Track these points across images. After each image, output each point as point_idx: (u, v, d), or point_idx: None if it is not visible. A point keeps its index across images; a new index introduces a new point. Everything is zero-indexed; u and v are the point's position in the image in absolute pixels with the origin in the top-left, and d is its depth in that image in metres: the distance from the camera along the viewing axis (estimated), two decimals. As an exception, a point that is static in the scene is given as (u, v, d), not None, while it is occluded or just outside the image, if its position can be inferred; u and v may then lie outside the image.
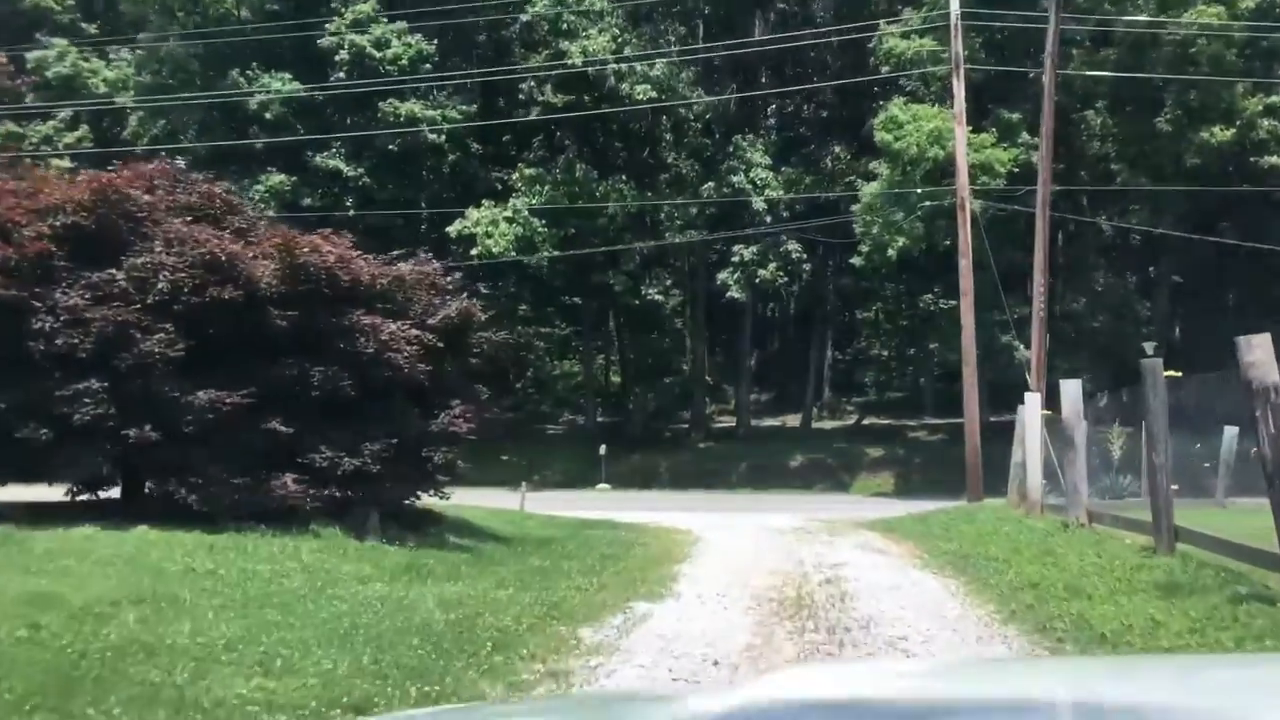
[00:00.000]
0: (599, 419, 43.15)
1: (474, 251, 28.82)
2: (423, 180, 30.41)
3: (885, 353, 40.57)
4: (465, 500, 16.97)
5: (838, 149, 33.74)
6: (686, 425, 39.07)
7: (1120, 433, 17.64)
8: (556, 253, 29.77)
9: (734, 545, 15.50)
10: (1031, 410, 14.65)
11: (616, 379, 41.14)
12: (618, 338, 36.65)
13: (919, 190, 25.83)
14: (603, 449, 31.41)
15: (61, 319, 9.63)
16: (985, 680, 1.94)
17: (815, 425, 39.06)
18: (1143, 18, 27.82)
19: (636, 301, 32.50)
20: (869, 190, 27.75)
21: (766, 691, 1.75)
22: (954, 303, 34.84)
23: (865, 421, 40.57)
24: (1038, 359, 16.17)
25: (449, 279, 13.05)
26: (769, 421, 42.35)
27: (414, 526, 12.58)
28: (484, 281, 33.20)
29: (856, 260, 29.00)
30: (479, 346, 12.69)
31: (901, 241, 26.47)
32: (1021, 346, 33.32)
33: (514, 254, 28.49)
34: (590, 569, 11.40)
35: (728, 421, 41.17)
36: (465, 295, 13.09)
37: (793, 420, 41.82)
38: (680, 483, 32.54)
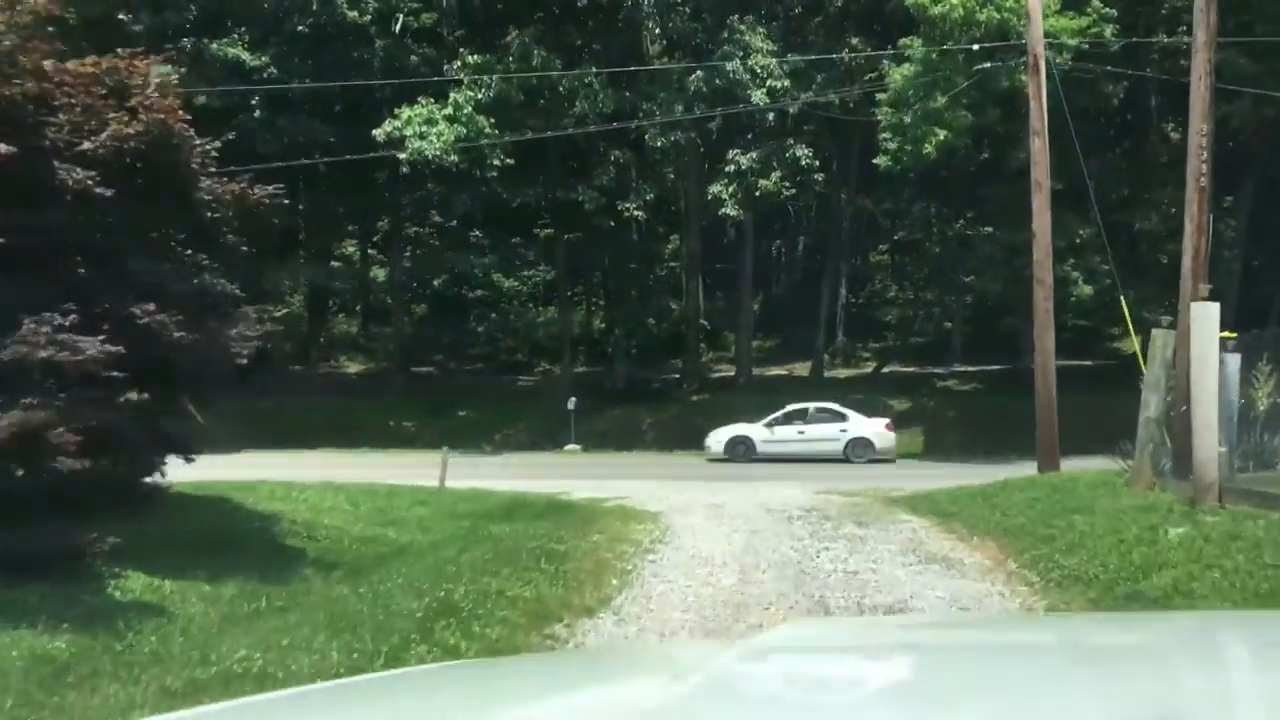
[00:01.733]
0: (577, 369, 37.71)
1: (401, 156, 23.11)
2: (346, 72, 24.62)
3: (907, 290, 34.89)
4: (373, 470, 11.69)
5: (855, 41, 27.70)
6: (678, 376, 33.53)
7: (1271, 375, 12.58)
8: (509, 160, 24.04)
9: (713, 550, 10.05)
10: (1202, 327, 8.93)
11: (602, 325, 35.44)
12: (595, 272, 30.93)
13: (963, 70, 19.96)
14: (571, 403, 25.93)
15: None
16: (993, 631, 2.03)
17: (828, 374, 33.47)
18: None
19: (612, 223, 26.76)
20: (899, 74, 21.87)
21: (773, 638, 1.87)
22: (988, 229, 29.13)
23: (886, 370, 34.93)
24: (1195, 256, 10.42)
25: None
26: (774, 370, 36.76)
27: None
28: (425, 202, 27.58)
29: (881, 160, 23.15)
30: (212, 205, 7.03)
31: (942, 135, 20.66)
32: (1080, 277, 27.63)
33: (452, 159, 22.76)
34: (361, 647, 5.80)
35: (726, 371, 35.60)
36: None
37: (801, 369, 36.22)
38: (667, 442, 27.08)
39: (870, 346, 40.48)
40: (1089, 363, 34.37)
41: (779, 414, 23.95)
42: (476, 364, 38.93)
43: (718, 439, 23.68)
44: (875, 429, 24.05)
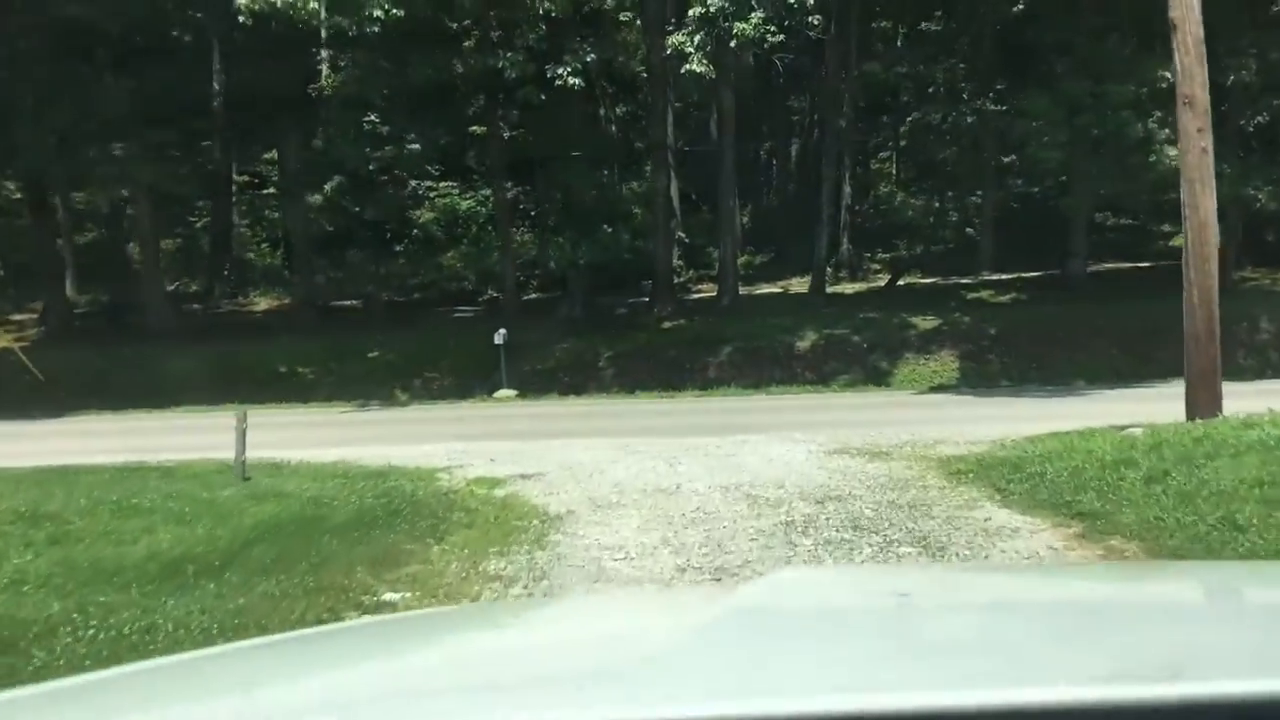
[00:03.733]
0: (530, 296, 31.60)
1: (240, 3, 16.75)
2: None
3: (925, 189, 28.77)
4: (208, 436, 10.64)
5: None
6: (648, 300, 27.47)
7: None
8: (396, 10, 17.63)
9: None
10: None
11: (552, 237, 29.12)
12: (532, 170, 24.50)
13: None
14: (499, 335, 19.94)
15: None
16: (997, 581, 1.93)
17: (831, 290, 27.39)
18: None
19: (544, 96, 20.32)
20: None
21: (773, 582, 1.84)
22: (1020, 98, 22.71)
23: (901, 283, 28.85)
24: None
25: None
26: (766, 289, 30.68)
27: None
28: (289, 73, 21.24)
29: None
30: None
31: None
32: (1165, 135, 21.38)
33: (313, 6, 16.36)
34: None
35: (707, 292, 29.53)
36: None
37: (799, 285, 30.14)
38: (630, 380, 21.16)
39: (879, 257, 34.40)
40: (1130, 265, 28.40)
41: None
42: (415, 295, 32.88)
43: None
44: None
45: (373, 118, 21.36)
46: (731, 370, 21.19)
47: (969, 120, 21.72)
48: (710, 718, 0.95)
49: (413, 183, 25.36)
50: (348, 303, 30.25)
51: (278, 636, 2.35)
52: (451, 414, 17.92)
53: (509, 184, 25.62)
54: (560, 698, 1.12)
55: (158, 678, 1.53)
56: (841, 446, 12.46)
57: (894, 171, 43.99)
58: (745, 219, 40.41)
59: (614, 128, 25.86)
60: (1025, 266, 29.23)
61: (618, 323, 25.17)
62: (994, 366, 20.29)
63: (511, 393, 19.90)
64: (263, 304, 32.29)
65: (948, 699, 0.93)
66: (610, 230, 22.92)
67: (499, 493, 10.05)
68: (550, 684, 1.24)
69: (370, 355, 22.88)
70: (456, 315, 27.80)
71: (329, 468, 11.86)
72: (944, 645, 1.29)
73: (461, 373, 22.08)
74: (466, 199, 30.18)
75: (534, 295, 31.74)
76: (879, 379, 20.21)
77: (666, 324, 24.74)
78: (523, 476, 10.91)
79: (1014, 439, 12.03)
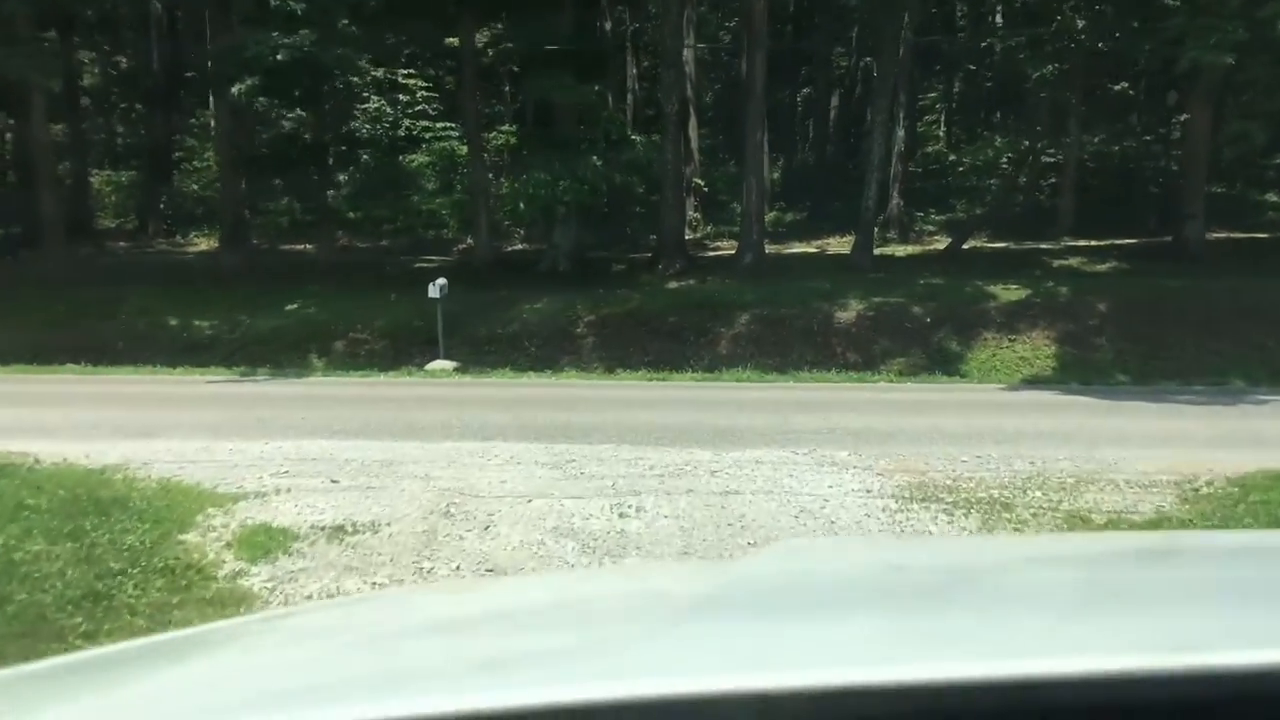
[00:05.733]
0: (516, 246, 26.64)
1: None
2: None
3: (998, 132, 23.57)
4: None
5: None
6: (650, 255, 22.39)
7: None
8: None
9: None
10: None
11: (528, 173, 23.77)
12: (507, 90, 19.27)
13: None
14: (436, 287, 14.91)
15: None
16: (1003, 553, 1.82)
17: (879, 253, 22.14)
18: None
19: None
20: None
21: (769, 554, 1.81)
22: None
23: (967, 246, 23.55)
24: None
25: None
26: (798, 248, 25.47)
27: None
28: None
29: None
30: None
31: None
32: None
33: None
34: None
35: (726, 250, 24.42)
36: None
37: (838, 245, 24.95)
38: (614, 355, 16.12)
39: (932, 218, 29.02)
40: (1244, 235, 22.95)
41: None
42: (383, 241, 27.95)
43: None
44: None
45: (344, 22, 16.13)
46: (749, 346, 16.09)
47: (1080, 27, 16.22)
48: (710, 692, 0.90)
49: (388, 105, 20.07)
50: (301, 247, 25.37)
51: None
52: (356, 391, 12.94)
53: (487, 104, 20.45)
54: (557, 672, 1.07)
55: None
56: (918, 480, 7.46)
57: (942, 122, 38.57)
58: (776, 175, 35.16)
59: (610, 30, 20.57)
60: (1107, 233, 23.90)
61: (613, 280, 20.06)
62: (1104, 354, 15.05)
63: (449, 365, 14.85)
64: (203, 244, 27.45)
65: (951, 670, 0.90)
66: (600, 163, 17.73)
67: (266, 570, 5.11)
68: (547, 658, 1.15)
69: (288, 308, 17.94)
70: (418, 266, 22.76)
71: (53, 479, 7.04)
72: (946, 618, 1.22)
73: (399, 336, 17.10)
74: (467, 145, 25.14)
75: (519, 247, 26.74)
76: (947, 364, 15.05)
77: (672, 284, 19.63)
78: (343, 530, 5.96)
79: (1220, 483, 7.02)
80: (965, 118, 39.25)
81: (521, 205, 18.01)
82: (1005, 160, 21.18)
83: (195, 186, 27.84)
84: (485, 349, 16.62)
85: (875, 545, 2.79)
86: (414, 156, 27.47)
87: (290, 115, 20.43)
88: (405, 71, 26.62)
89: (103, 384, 13.33)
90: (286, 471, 7.95)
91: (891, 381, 13.52)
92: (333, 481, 7.45)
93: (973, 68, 39.74)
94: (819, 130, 40.94)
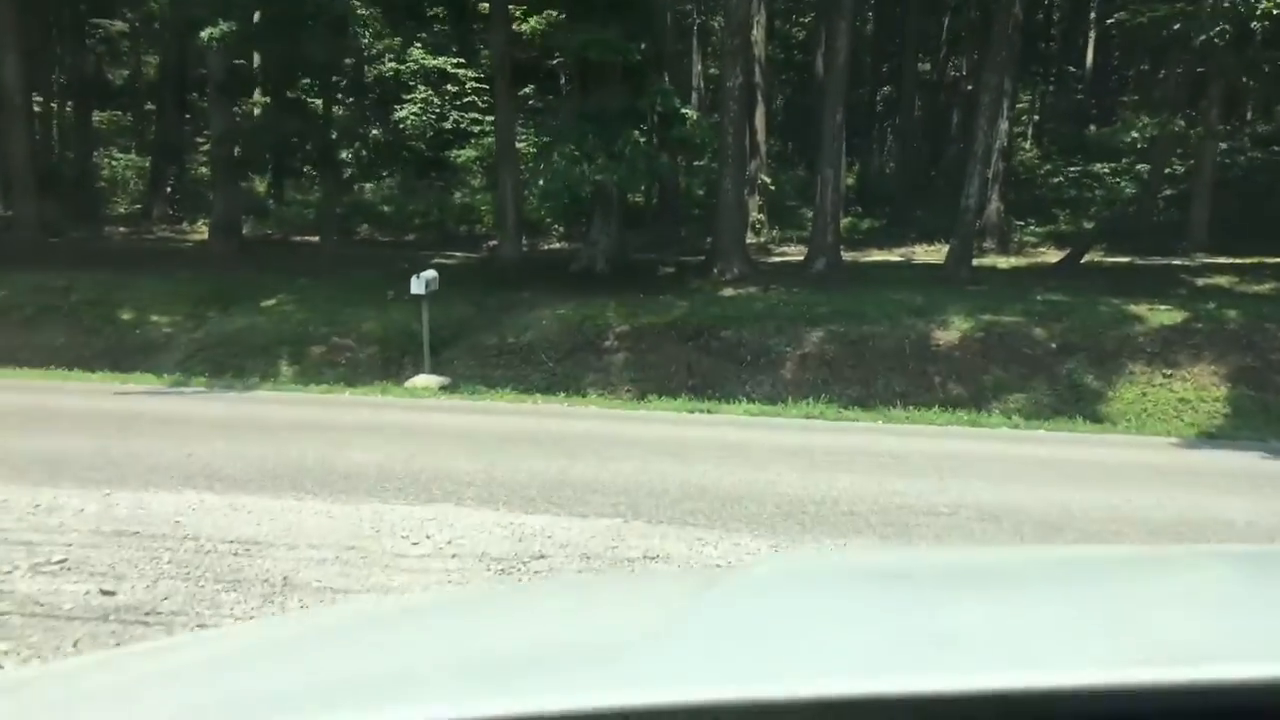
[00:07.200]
0: (552, 245, 23.60)
1: None
2: None
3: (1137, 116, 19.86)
4: None
5: None
6: (704, 258, 19.07)
7: None
8: None
9: None
10: None
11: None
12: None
13: None
14: (421, 280, 11.77)
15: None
16: (1005, 561, 1.81)
17: (978, 264, 18.53)
18: None
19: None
20: None
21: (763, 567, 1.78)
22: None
23: (1086, 260, 19.81)
24: None
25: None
26: (876, 256, 21.94)
27: None
28: None
29: None
30: None
31: None
32: None
33: None
34: None
35: (793, 255, 21.04)
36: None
37: (926, 254, 21.41)
38: (649, 376, 12.81)
39: (1034, 229, 25.25)
40: None
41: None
42: (409, 235, 25.13)
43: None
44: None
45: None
46: (821, 370, 12.68)
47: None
48: (710, 702, 0.89)
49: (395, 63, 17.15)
50: (316, 239, 22.58)
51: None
52: (299, 414, 9.75)
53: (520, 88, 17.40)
54: (547, 682, 1.06)
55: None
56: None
57: (1030, 131, 34.75)
58: (851, 180, 31.63)
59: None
60: (1247, 248, 20.02)
61: (654, 285, 16.77)
62: (1296, 399, 11.36)
63: (435, 381, 11.63)
64: (205, 233, 24.82)
65: (951, 681, 0.90)
66: (643, 140, 14.48)
67: None
68: (546, 667, 1.15)
69: (264, 304, 14.94)
70: (436, 261, 19.69)
71: None
72: (939, 628, 1.19)
73: (391, 342, 13.99)
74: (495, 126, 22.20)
75: (556, 246, 23.60)
76: (1082, 404, 11.48)
77: (728, 291, 16.27)
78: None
79: None
80: (1057, 125, 35.55)
81: (541, 183, 14.81)
82: (1143, 145, 17.35)
83: (205, 171, 25.26)
84: (493, 361, 13.45)
85: (876, 554, 2.71)
86: (460, 151, 24.87)
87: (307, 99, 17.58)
88: (455, 60, 24.04)
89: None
90: (61, 561, 4.82)
91: (1017, 428, 10.00)
92: (104, 593, 4.29)
93: (1071, 69, 36.05)
94: (901, 131, 37.36)
